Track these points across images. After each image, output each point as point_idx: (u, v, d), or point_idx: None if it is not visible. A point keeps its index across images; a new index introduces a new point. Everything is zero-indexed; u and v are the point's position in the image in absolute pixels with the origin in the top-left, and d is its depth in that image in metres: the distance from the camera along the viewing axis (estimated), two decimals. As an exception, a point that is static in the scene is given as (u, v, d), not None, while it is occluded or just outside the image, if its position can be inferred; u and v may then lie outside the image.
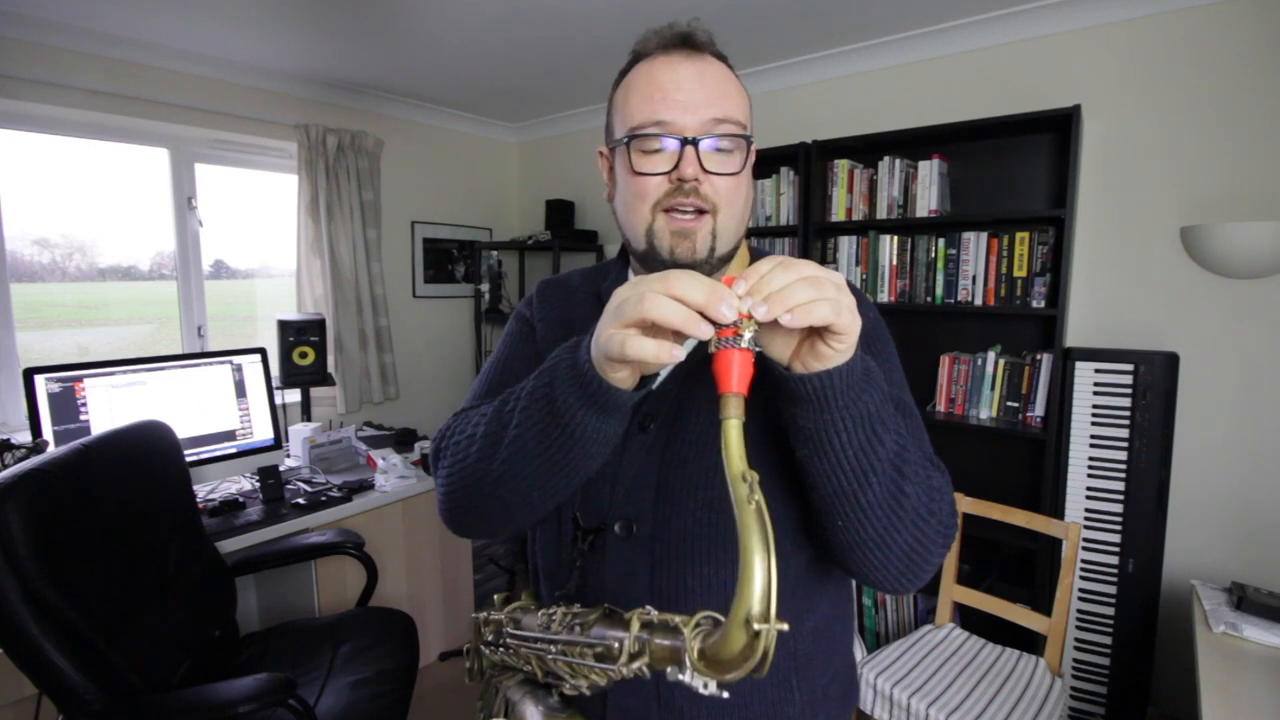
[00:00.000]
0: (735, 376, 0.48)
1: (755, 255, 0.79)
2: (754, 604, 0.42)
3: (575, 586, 0.70)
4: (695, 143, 0.65)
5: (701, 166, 0.65)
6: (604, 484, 0.69)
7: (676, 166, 0.65)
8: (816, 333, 0.51)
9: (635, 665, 0.51)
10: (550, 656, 0.60)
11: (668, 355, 0.49)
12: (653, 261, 0.69)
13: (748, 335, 0.48)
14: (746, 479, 0.45)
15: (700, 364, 0.67)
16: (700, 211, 0.66)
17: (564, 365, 0.58)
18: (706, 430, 0.68)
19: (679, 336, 0.50)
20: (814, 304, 0.48)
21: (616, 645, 0.53)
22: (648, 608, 0.54)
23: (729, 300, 0.48)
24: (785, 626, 0.42)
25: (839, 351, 0.51)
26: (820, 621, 0.73)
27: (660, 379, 0.69)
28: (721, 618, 0.47)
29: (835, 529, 0.59)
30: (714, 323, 0.48)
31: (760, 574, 0.42)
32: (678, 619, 0.50)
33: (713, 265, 0.69)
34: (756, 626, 0.42)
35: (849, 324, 0.50)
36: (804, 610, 0.70)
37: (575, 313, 0.81)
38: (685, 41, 0.67)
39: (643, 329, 0.50)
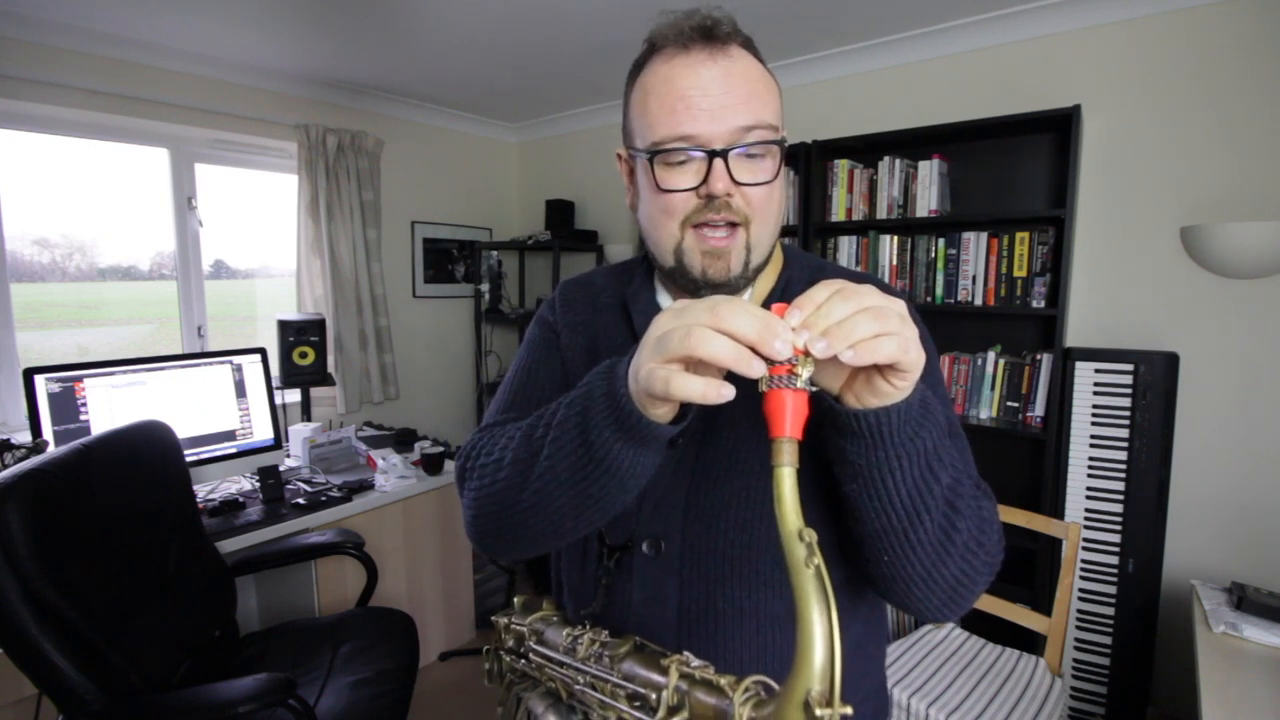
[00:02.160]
0: (789, 420, 0.43)
1: (788, 256, 0.75)
2: (813, 682, 0.37)
3: (600, 606, 0.68)
4: (724, 154, 0.59)
5: (732, 178, 0.60)
6: None
7: (705, 181, 0.60)
8: (876, 367, 0.46)
9: None
10: (578, 687, 0.58)
11: (716, 395, 0.44)
12: (681, 279, 0.66)
13: (805, 375, 0.43)
14: (804, 538, 0.40)
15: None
16: (732, 225, 0.62)
17: (598, 395, 0.53)
18: (739, 446, 0.65)
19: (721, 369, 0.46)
20: (879, 340, 0.43)
21: (654, 696, 0.50)
22: (685, 654, 0.51)
23: (784, 335, 0.42)
24: (849, 710, 0.37)
25: (900, 390, 0.47)
26: (854, 640, 0.70)
27: None
28: (774, 684, 0.43)
29: (880, 563, 0.57)
30: (766, 358, 0.43)
31: (821, 647, 0.37)
32: (723, 680, 0.47)
33: (748, 279, 0.66)
34: (818, 711, 0.37)
35: (915, 361, 0.45)
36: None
37: (600, 318, 0.77)
38: (706, 35, 0.61)
39: (687, 365, 0.46)
